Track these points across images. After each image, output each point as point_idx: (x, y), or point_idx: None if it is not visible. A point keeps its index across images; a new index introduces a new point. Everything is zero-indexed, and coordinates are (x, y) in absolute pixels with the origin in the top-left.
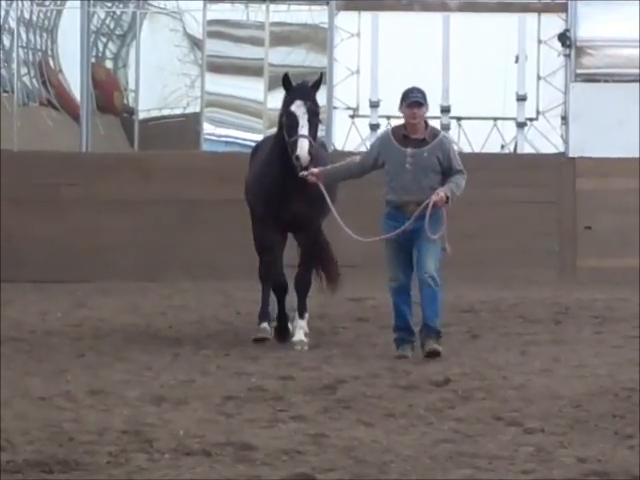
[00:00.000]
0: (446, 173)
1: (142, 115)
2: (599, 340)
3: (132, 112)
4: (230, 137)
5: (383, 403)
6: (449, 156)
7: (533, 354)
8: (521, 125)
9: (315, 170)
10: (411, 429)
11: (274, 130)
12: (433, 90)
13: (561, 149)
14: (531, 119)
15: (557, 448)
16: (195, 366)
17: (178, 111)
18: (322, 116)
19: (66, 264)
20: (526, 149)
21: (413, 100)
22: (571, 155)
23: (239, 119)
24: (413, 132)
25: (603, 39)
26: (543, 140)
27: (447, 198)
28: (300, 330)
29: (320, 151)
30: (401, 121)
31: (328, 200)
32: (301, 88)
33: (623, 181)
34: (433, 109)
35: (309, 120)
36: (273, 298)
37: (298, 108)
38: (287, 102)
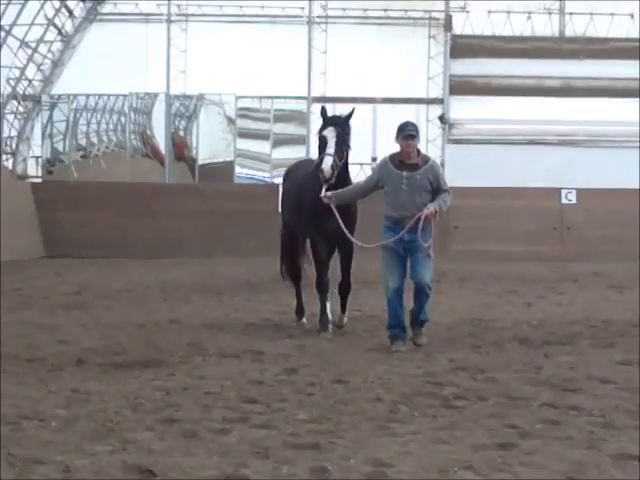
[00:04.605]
0: (435, 192)
1: (200, 162)
2: None
3: (194, 160)
4: (250, 175)
5: None
6: (438, 178)
7: None
8: None
9: (329, 194)
10: None
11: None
12: None
13: None
14: None
15: None
16: None
17: (221, 159)
18: None
19: None
20: None
21: (408, 134)
22: None
23: (256, 164)
24: (408, 159)
25: (466, 119)
26: None
27: (435, 212)
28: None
29: (346, 175)
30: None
31: (337, 214)
32: (334, 117)
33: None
34: None
35: (336, 143)
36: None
37: (329, 132)
38: (321, 128)
